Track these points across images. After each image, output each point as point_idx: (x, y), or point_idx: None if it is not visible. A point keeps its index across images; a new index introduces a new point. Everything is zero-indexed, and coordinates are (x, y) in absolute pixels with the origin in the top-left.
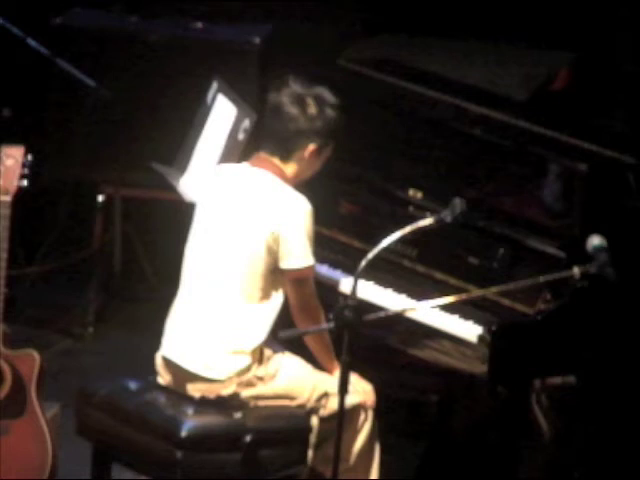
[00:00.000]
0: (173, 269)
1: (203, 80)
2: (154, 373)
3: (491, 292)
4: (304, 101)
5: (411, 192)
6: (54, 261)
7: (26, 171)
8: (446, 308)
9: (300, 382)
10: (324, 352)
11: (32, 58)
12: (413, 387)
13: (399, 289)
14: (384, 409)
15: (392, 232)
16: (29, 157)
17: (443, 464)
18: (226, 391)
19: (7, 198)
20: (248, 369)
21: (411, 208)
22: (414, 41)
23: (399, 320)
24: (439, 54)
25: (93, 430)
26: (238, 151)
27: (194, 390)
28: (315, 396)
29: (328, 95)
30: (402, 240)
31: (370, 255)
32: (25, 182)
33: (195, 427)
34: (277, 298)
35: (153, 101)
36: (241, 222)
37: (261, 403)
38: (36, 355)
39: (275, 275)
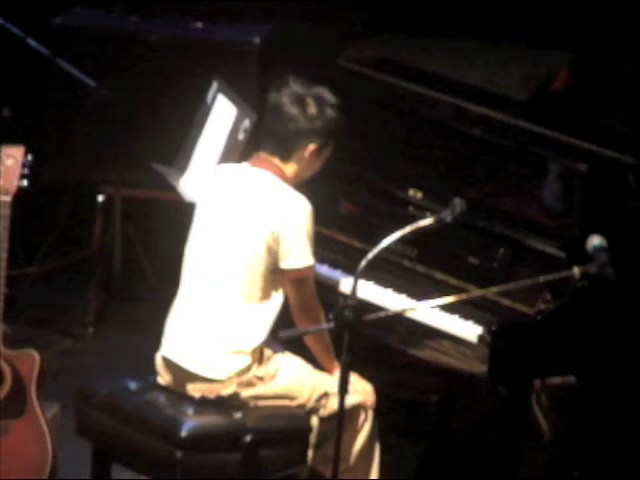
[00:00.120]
0: (173, 269)
1: (203, 80)
2: (154, 373)
3: (491, 292)
4: (304, 101)
5: (411, 192)
6: (54, 261)
7: (26, 171)
8: (446, 308)
9: (300, 382)
10: (324, 352)
11: (32, 58)
12: (413, 387)
13: (399, 289)
14: (384, 409)
15: (392, 232)
16: (29, 157)
17: (443, 464)
18: (226, 391)
19: (7, 198)
20: (248, 369)
21: (411, 208)
22: (414, 41)
23: (399, 320)
24: (439, 54)
25: (93, 430)
26: (238, 151)
27: (194, 390)
28: (315, 396)
29: (328, 95)
30: (402, 240)
31: (370, 255)
32: (25, 182)
33: (195, 427)
34: (277, 298)
35: (153, 101)
36: (241, 222)
37: (261, 403)
38: (36, 355)
39: (275, 275)
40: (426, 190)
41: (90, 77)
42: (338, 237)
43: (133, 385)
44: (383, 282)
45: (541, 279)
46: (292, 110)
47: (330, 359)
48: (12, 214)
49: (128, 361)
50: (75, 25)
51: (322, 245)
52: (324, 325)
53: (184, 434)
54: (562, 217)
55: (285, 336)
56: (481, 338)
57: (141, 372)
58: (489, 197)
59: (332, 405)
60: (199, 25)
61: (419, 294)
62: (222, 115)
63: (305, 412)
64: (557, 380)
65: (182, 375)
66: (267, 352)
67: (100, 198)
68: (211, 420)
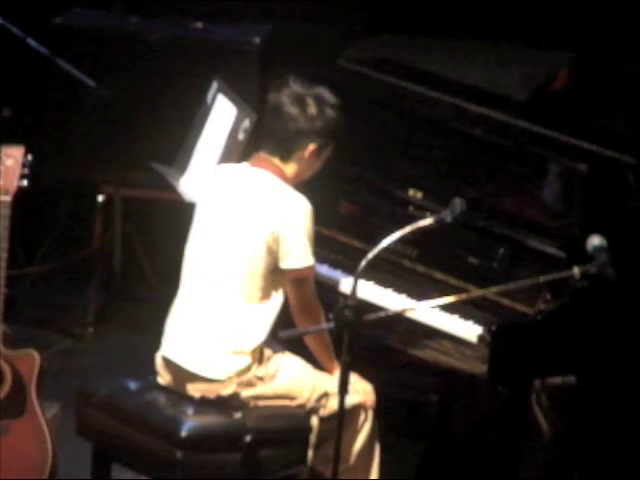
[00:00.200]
0: (173, 269)
1: (203, 80)
2: (154, 373)
3: (491, 292)
4: (304, 101)
5: (411, 192)
6: (54, 261)
7: (26, 171)
8: (446, 308)
9: (300, 382)
10: (324, 352)
11: (32, 58)
12: (413, 387)
13: (399, 289)
14: (384, 409)
15: (392, 232)
16: (29, 157)
17: (443, 464)
18: (226, 391)
19: (7, 198)
20: (248, 369)
21: (411, 208)
22: (414, 41)
23: (399, 320)
24: (439, 54)
25: (93, 430)
26: (238, 151)
27: (194, 390)
28: (315, 396)
29: (328, 95)
30: (402, 240)
31: (370, 255)
32: (25, 182)
33: (195, 427)
34: (277, 298)
35: (153, 101)
36: (241, 222)
37: (261, 403)
38: (36, 355)
39: (275, 275)
40: (426, 190)
41: (90, 77)
42: (338, 237)
43: (133, 385)
44: (383, 282)
45: (541, 279)
46: (292, 110)
47: (330, 359)
48: (12, 214)
49: (128, 361)
50: (75, 25)
51: (322, 245)
52: (324, 325)
53: (184, 434)
54: (562, 217)
55: (285, 336)
56: (481, 338)
57: (141, 372)
58: (489, 197)
59: (332, 405)
60: (199, 25)
61: (419, 294)
62: (222, 115)
63: (305, 412)
64: (557, 380)
65: (182, 375)
66: (267, 352)
67: (100, 198)
68: (211, 420)
